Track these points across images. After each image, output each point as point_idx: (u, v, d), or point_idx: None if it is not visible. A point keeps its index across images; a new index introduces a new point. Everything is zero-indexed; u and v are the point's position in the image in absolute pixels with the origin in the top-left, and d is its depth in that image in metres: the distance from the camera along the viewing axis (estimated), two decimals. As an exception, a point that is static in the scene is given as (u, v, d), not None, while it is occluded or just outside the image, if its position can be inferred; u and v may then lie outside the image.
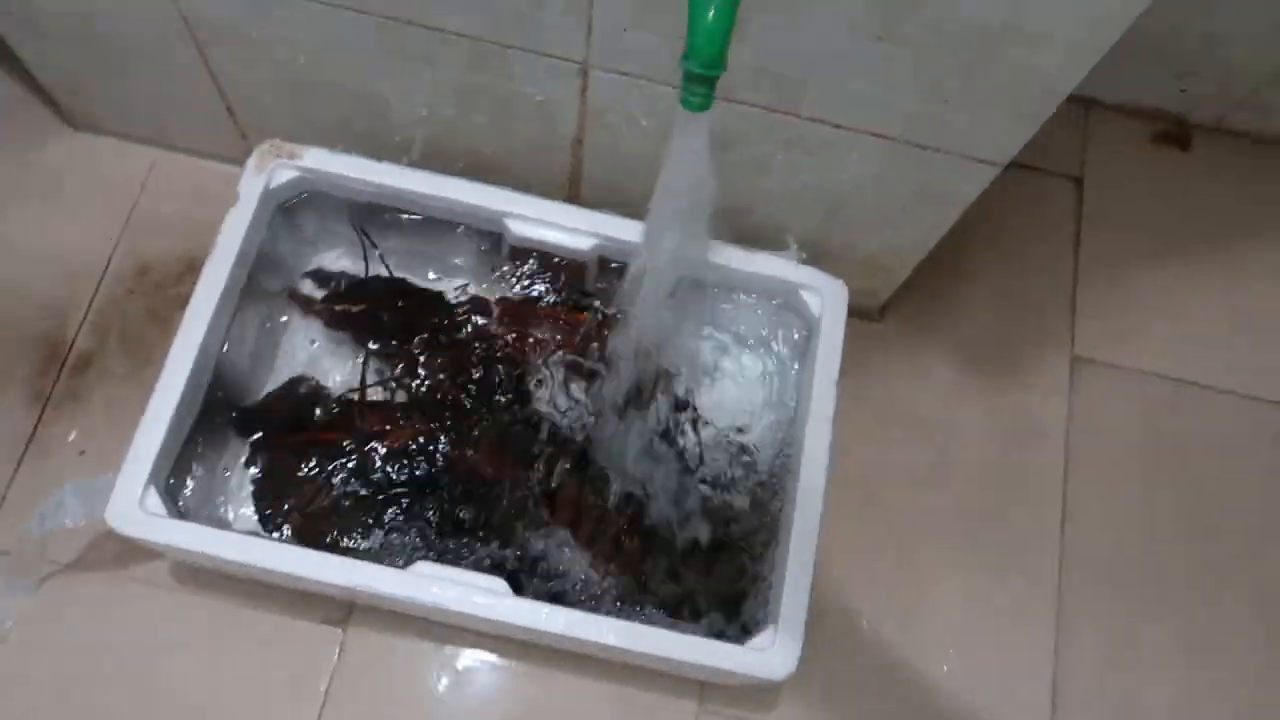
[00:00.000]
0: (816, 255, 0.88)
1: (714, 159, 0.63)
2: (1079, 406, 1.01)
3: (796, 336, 0.88)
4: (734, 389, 0.90)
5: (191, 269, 0.99)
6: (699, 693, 0.87)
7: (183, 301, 0.97)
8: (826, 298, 0.85)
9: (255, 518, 0.84)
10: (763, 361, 0.91)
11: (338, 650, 0.87)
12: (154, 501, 0.74)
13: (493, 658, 0.87)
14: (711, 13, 0.55)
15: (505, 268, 0.89)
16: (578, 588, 0.80)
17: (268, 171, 0.84)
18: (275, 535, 0.82)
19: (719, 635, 0.77)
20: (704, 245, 0.74)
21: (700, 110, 0.58)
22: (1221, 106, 1.11)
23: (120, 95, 0.96)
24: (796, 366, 0.88)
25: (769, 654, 0.73)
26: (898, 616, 0.92)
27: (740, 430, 0.87)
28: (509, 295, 0.90)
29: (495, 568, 0.79)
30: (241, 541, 0.73)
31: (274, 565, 0.72)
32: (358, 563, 0.73)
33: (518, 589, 0.74)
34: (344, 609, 0.88)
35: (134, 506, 0.73)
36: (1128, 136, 1.13)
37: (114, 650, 0.86)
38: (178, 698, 0.85)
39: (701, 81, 0.57)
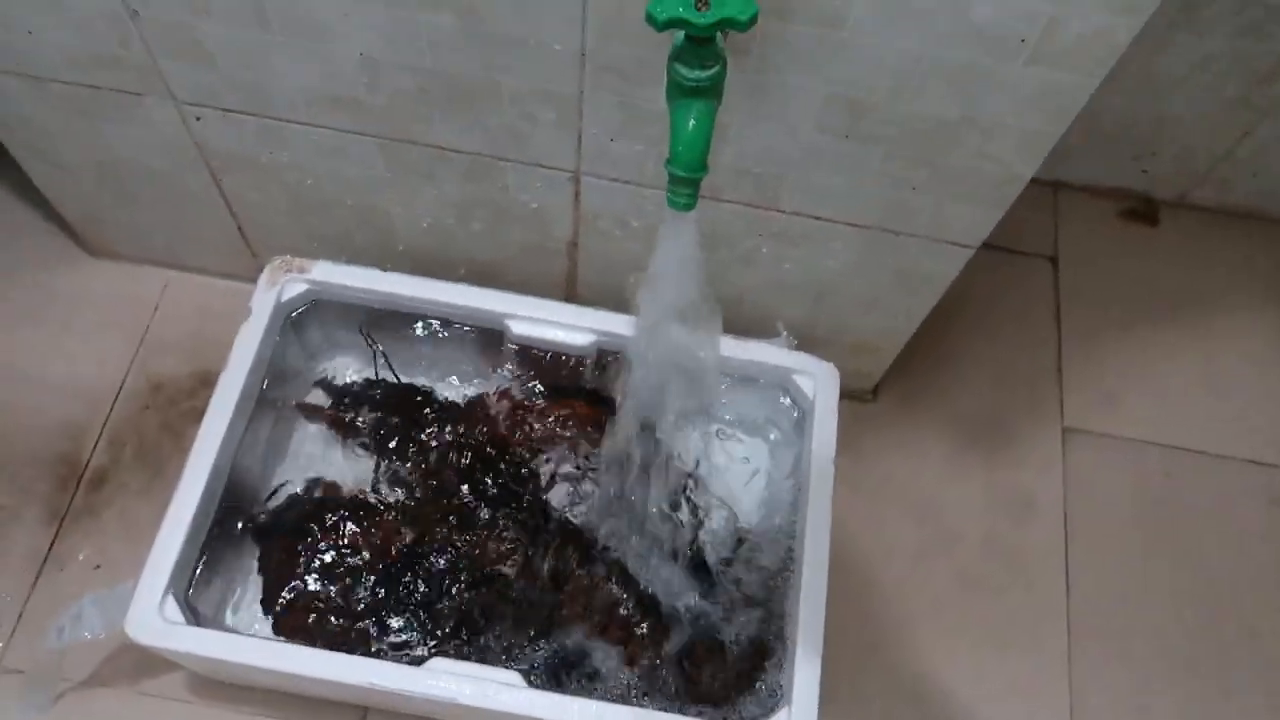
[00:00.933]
0: (807, 340, 0.91)
1: (701, 253, 0.67)
2: (1073, 477, 1.04)
3: (791, 420, 0.90)
4: (732, 474, 0.92)
5: (204, 383, 1.03)
6: (716, 782, 0.87)
7: (195, 415, 1.00)
8: (819, 381, 0.88)
9: (268, 623, 0.85)
10: (759, 446, 0.94)
11: (354, 753, 0.87)
12: (173, 610, 0.75)
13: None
14: (691, 122, 0.60)
15: (507, 366, 0.92)
16: (590, 678, 0.81)
17: (279, 285, 0.88)
18: (286, 639, 0.84)
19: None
20: (695, 336, 0.77)
21: (686, 210, 0.62)
22: (1183, 183, 1.17)
23: (136, 222, 1.02)
24: (792, 449, 0.91)
25: (782, 742, 0.74)
26: (909, 696, 0.93)
27: (739, 516, 0.89)
28: (512, 393, 0.93)
29: (508, 662, 0.80)
30: (262, 646, 0.75)
31: (295, 669, 0.73)
32: (375, 662, 0.74)
33: (531, 682, 0.75)
34: (358, 714, 0.88)
35: (153, 615, 0.74)
36: (1097, 215, 1.19)
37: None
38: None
39: (686, 184, 0.61)
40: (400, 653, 0.82)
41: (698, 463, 0.91)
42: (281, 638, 0.84)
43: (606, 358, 0.90)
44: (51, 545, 0.94)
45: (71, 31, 0.77)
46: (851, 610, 0.93)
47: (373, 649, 0.82)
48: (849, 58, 0.65)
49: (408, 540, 0.86)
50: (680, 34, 0.58)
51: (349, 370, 0.97)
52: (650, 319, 0.73)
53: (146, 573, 0.76)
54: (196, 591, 0.81)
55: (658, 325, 0.75)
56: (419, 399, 0.93)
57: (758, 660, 0.81)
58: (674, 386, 0.83)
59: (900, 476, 1.03)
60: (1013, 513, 1.01)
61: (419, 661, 0.76)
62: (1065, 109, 0.67)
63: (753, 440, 0.94)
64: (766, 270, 0.88)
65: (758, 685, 0.80)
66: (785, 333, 0.91)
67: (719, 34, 0.57)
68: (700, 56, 0.58)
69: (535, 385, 0.92)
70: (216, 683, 0.88)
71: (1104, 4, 0.60)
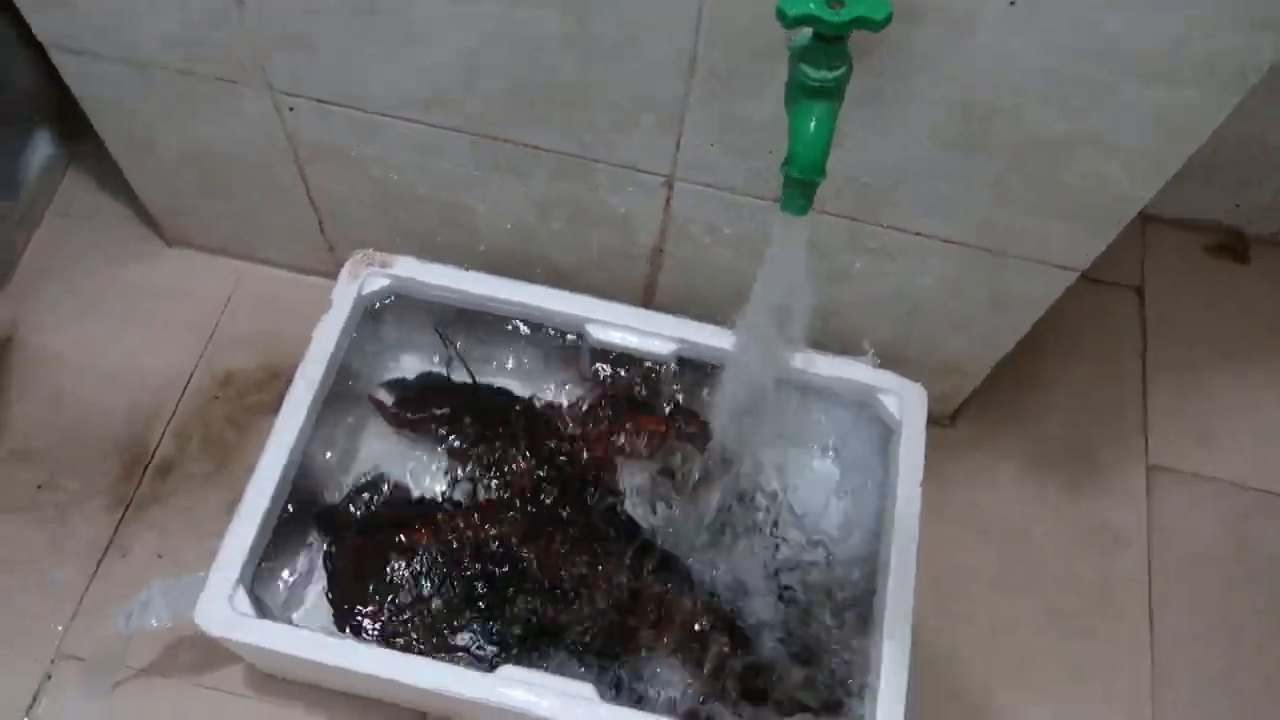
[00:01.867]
0: (892, 359, 0.89)
1: (809, 261, 0.65)
2: (1158, 514, 1.00)
3: (875, 441, 0.88)
4: (814, 493, 0.90)
5: (273, 377, 1.02)
6: (782, 812, 0.84)
7: (263, 408, 1.00)
8: (906, 401, 0.86)
9: (332, 619, 0.83)
10: (842, 466, 0.91)
11: (412, 759, 0.85)
12: (243, 601, 0.74)
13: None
14: (813, 123, 0.58)
15: (585, 372, 0.91)
16: (665, 695, 0.79)
17: (360, 279, 0.88)
18: (351, 637, 0.82)
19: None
20: (794, 349, 0.76)
21: (800, 214, 0.61)
22: (1278, 220, 1.14)
23: (216, 212, 1.01)
24: (874, 471, 0.88)
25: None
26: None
27: (821, 539, 0.87)
28: (588, 400, 0.91)
29: (577, 674, 0.78)
30: (331, 644, 0.73)
31: (365, 668, 0.72)
32: (447, 666, 0.72)
33: (603, 696, 0.73)
34: (415, 718, 0.86)
35: (224, 606, 0.73)
36: (1184, 248, 1.16)
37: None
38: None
39: (803, 187, 0.60)
40: (468, 658, 0.80)
41: (778, 481, 0.89)
42: (343, 633, 0.82)
43: (687, 367, 0.88)
44: (115, 532, 0.94)
45: (177, 18, 0.77)
46: (927, 637, 0.90)
47: (440, 653, 0.80)
48: (974, 65, 0.63)
49: (478, 544, 0.84)
50: (808, 32, 0.56)
51: (421, 368, 0.96)
52: (751, 328, 0.71)
53: (218, 563, 0.75)
54: (263, 585, 0.80)
55: (755, 335, 0.73)
56: (494, 402, 0.91)
57: (835, 687, 0.78)
58: (760, 400, 0.81)
59: (979, 504, 1.00)
60: (1095, 547, 0.98)
61: (488, 668, 0.74)
62: (1194, 131, 0.65)
63: (835, 460, 0.92)
64: (859, 286, 0.86)
65: (839, 710, 0.77)
66: (871, 350, 0.88)
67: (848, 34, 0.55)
68: (829, 56, 0.56)
69: (613, 393, 0.91)
70: (276, 679, 0.87)
71: (1244, 21, 0.58)
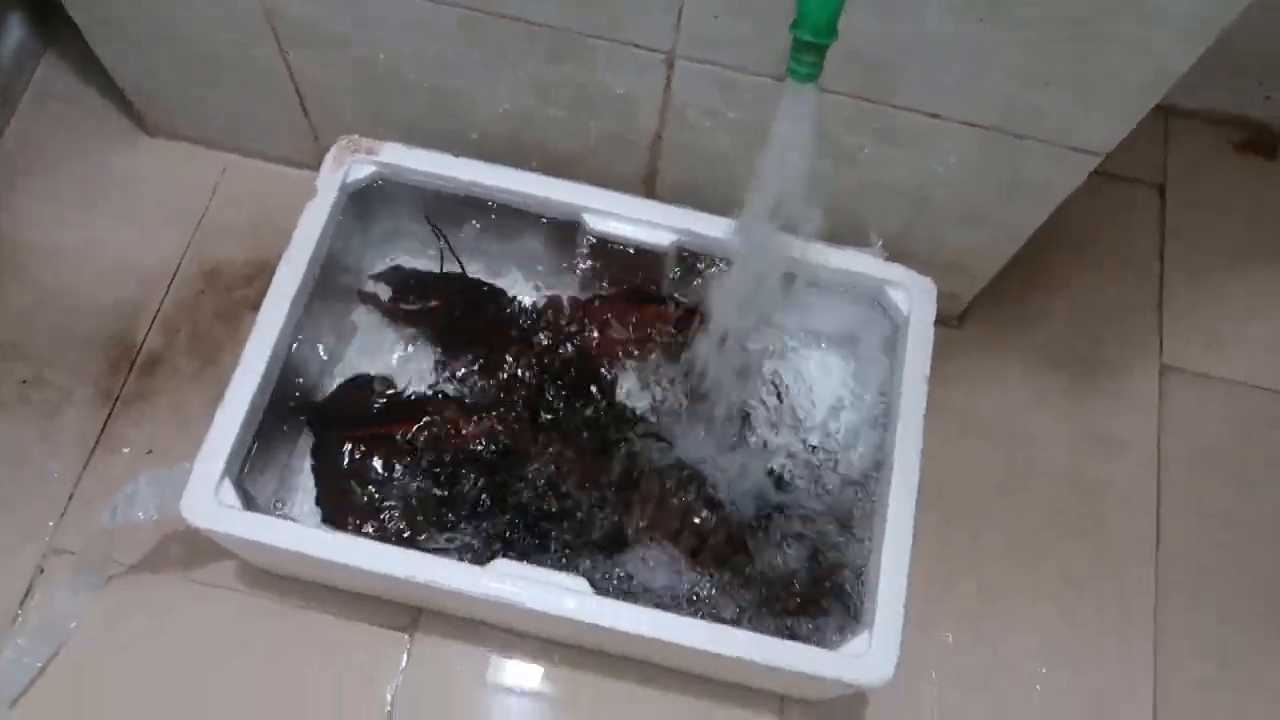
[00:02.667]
0: (898, 254, 0.85)
1: (817, 137, 0.61)
2: (1169, 417, 0.97)
3: (881, 336, 0.85)
4: (818, 388, 0.87)
5: (260, 271, 0.99)
6: (779, 707, 0.84)
7: (251, 303, 0.97)
8: (914, 295, 0.82)
9: (321, 515, 0.82)
10: (846, 361, 0.88)
11: (404, 657, 0.84)
12: (229, 494, 0.72)
13: (564, 669, 0.84)
14: (824, -23, 0.53)
15: (581, 264, 0.87)
16: (659, 589, 0.77)
17: (345, 166, 0.83)
18: (344, 531, 0.80)
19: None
20: (800, 238, 0.72)
21: (808, 80, 0.56)
22: (1308, 114, 1.09)
23: (197, 99, 0.97)
24: (879, 366, 0.85)
25: (865, 660, 0.70)
26: (984, 632, 0.88)
27: (824, 436, 0.84)
28: (586, 292, 0.88)
29: (573, 568, 0.76)
30: (319, 536, 0.71)
31: (353, 561, 0.70)
32: (438, 560, 0.71)
33: (598, 589, 0.71)
34: (411, 614, 0.85)
35: (209, 498, 0.71)
36: (1210, 144, 1.10)
37: (178, 652, 0.84)
38: (241, 702, 0.82)
39: (811, 50, 0.55)
40: (461, 552, 0.78)
41: (779, 375, 0.86)
42: (334, 528, 0.81)
43: (687, 259, 0.84)
44: (103, 428, 0.92)
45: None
46: (928, 539, 0.88)
47: (432, 546, 0.78)
48: (1000, -81, 0.58)
49: (471, 438, 0.82)
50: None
51: (413, 263, 0.92)
52: (755, 214, 0.67)
53: (203, 454, 0.73)
54: (251, 479, 0.77)
55: (757, 222, 0.69)
56: (487, 294, 0.88)
57: (835, 580, 0.76)
58: (762, 292, 0.78)
59: (985, 407, 0.97)
60: (1103, 451, 0.96)
61: (481, 561, 0.72)
62: (1234, -8, 0.60)
63: (837, 355, 0.89)
64: (865, 173, 0.82)
65: (835, 605, 0.75)
66: (879, 242, 0.85)
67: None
68: (842, -98, 0.51)
69: (611, 286, 0.87)
70: (267, 573, 0.85)
71: None
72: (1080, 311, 1.02)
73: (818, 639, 0.74)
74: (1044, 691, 0.86)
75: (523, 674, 0.84)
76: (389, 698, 0.83)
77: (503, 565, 0.71)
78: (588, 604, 0.70)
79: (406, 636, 0.85)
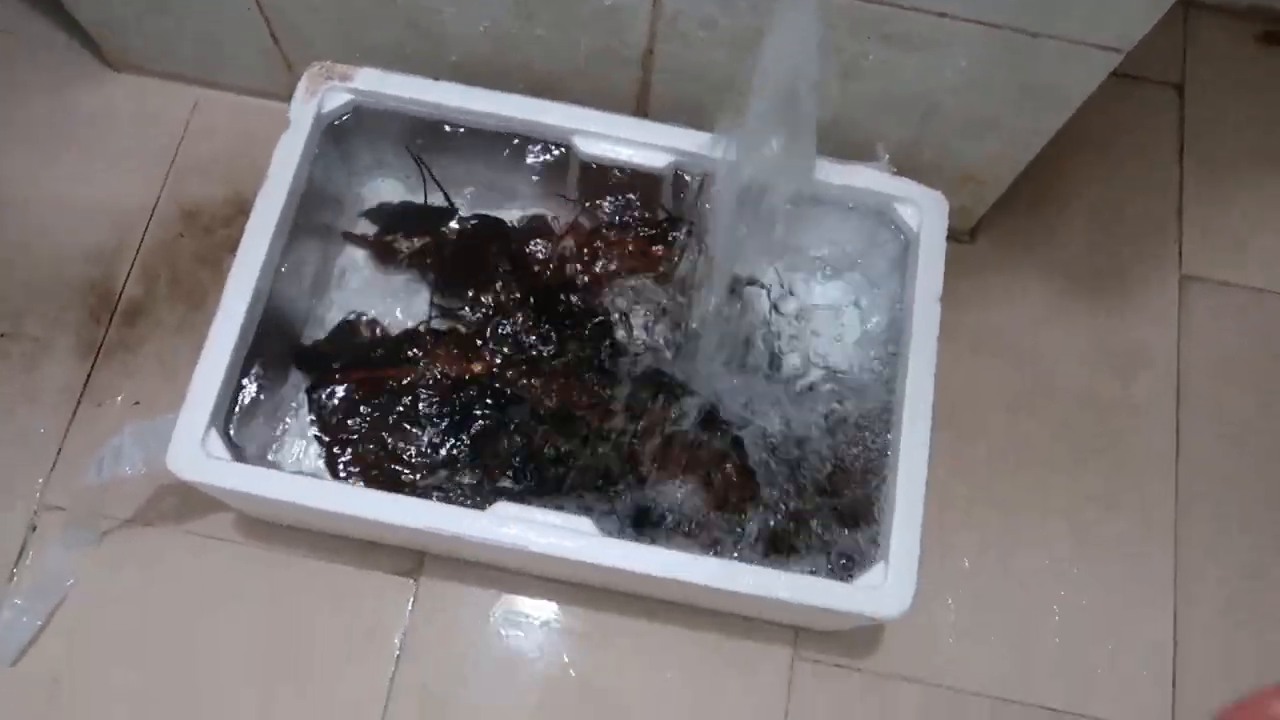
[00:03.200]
0: (906, 169, 0.81)
1: (822, 45, 0.56)
2: (1188, 328, 0.94)
3: (889, 256, 0.81)
4: (825, 311, 0.83)
5: (240, 211, 0.94)
6: (793, 639, 0.82)
7: (233, 244, 0.92)
8: (925, 211, 0.78)
9: (320, 462, 0.79)
10: (854, 282, 0.84)
11: (410, 602, 0.82)
12: (216, 444, 0.69)
13: (573, 607, 0.82)
14: None
15: (573, 191, 0.82)
16: (668, 524, 0.74)
17: (319, 95, 0.78)
18: (341, 479, 0.77)
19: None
20: (805, 147, 0.67)
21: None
22: (1335, 1, 1.02)
23: (161, 31, 0.91)
24: (888, 287, 0.81)
25: (881, 592, 0.67)
26: (1000, 554, 0.86)
27: (828, 357, 0.81)
28: (579, 220, 0.83)
29: (577, 508, 0.73)
30: (313, 486, 0.68)
31: (348, 510, 0.67)
32: (437, 505, 0.68)
33: (604, 530, 0.69)
34: (415, 559, 0.83)
35: (196, 450, 0.68)
36: (1231, 38, 1.04)
37: (180, 606, 0.82)
38: (246, 654, 0.81)
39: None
40: (461, 494, 0.75)
41: (783, 299, 0.82)
42: (333, 476, 0.78)
43: (685, 180, 0.80)
44: (87, 380, 0.88)
45: None
46: (940, 461, 0.85)
47: (432, 489, 0.75)
48: None
49: (467, 376, 0.78)
50: None
51: (396, 195, 0.88)
52: (754, 128, 0.62)
53: (188, 404, 0.69)
54: (241, 428, 0.74)
55: (757, 138, 0.64)
56: (476, 226, 0.84)
57: (848, 509, 0.73)
58: (763, 213, 0.73)
59: (999, 324, 0.93)
60: (1122, 365, 0.92)
61: (482, 504, 0.69)
62: None
63: (845, 276, 0.85)
64: (870, 82, 0.77)
65: (848, 535, 0.73)
66: (886, 156, 0.80)
67: None
68: None
69: (606, 212, 0.83)
70: (265, 523, 0.83)
71: None
72: (1096, 221, 0.97)
73: (831, 570, 0.72)
74: (1062, 612, 0.85)
75: (531, 614, 0.82)
76: (397, 642, 0.81)
77: (504, 508, 0.69)
78: (593, 545, 0.67)
79: (411, 581, 0.83)
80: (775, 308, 0.81)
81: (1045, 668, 0.83)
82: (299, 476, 0.69)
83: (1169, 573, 0.86)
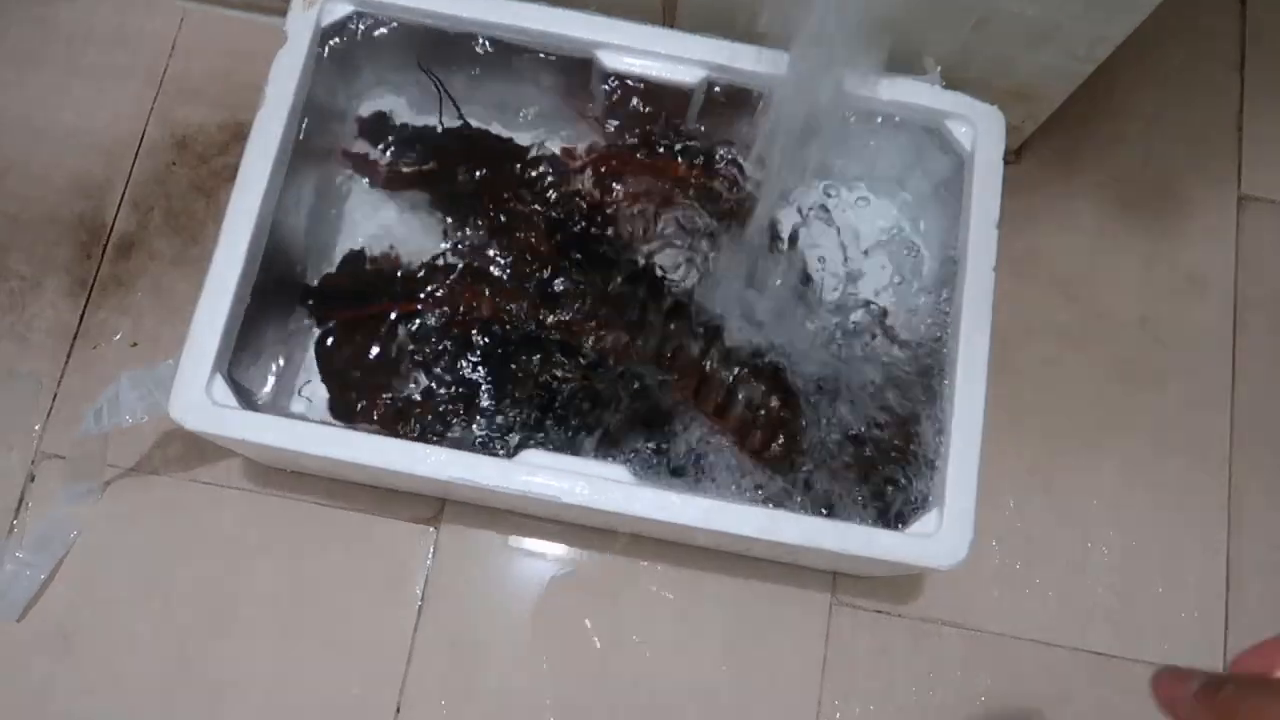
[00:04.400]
0: (955, 83, 0.74)
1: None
2: (1247, 252, 0.87)
3: (938, 177, 0.74)
4: (869, 239, 0.77)
5: (236, 137, 0.87)
6: (831, 584, 0.78)
7: (230, 173, 0.85)
8: (980, 128, 0.71)
9: (327, 407, 0.74)
10: (902, 207, 0.78)
11: (431, 550, 0.78)
12: (221, 391, 0.64)
13: (602, 554, 0.78)
14: None
15: (597, 110, 0.75)
16: (707, 467, 0.70)
17: (318, 4, 0.71)
18: (353, 425, 0.72)
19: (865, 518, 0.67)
20: (856, 62, 0.60)
21: None
22: None
23: (139, -65, 0.83)
24: (936, 211, 0.75)
25: (935, 540, 0.63)
26: (1046, 495, 0.81)
27: (880, 292, 0.75)
28: (603, 142, 0.77)
29: (607, 455, 0.68)
30: (327, 434, 0.63)
31: (365, 460, 0.62)
32: (459, 454, 0.63)
33: (637, 475, 0.64)
34: (435, 506, 0.79)
35: (201, 397, 0.63)
36: (1296, -63, 0.96)
37: (190, 556, 0.77)
38: (263, 605, 0.77)
39: None
40: (486, 442, 0.70)
41: (829, 228, 0.76)
42: (343, 421, 0.73)
43: (718, 97, 0.73)
44: (80, 320, 0.82)
45: None
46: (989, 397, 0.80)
47: (452, 434, 0.70)
48: None
49: (486, 313, 0.72)
50: None
51: (400, 115, 0.80)
52: (801, 38, 0.56)
53: (189, 348, 0.64)
54: (246, 369, 0.69)
55: (804, 48, 0.57)
56: (494, 148, 0.77)
57: (898, 450, 0.69)
58: (810, 133, 0.67)
59: (1046, 250, 0.87)
60: (1175, 292, 0.86)
61: (508, 451, 0.64)
62: None
63: (891, 200, 0.78)
64: (922, -14, 0.69)
65: (899, 476, 0.68)
66: (938, 69, 0.73)
67: None
68: None
69: (632, 133, 0.76)
70: (277, 470, 0.78)
71: None
72: (1150, 140, 0.90)
73: (880, 515, 0.67)
74: (1112, 554, 0.80)
75: (558, 559, 0.78)
76: (419, 592, 0.77)
77: (532, 456, 0.64)
78: (629, 494, 0.62)
79: (432, 529, 0.78)
80: (820, 240, 0.74)
81: (1092, 611, 0.79)
82: (312, 424, 0.64)
83: (1223, 511, 0.81)
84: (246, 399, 0.65)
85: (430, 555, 0.78)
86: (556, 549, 0.78)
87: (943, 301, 0.70)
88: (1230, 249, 0.88)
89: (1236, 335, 0.85)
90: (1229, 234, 0.88)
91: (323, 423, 0.65)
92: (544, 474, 0.63)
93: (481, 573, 0.78)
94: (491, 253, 0.74)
